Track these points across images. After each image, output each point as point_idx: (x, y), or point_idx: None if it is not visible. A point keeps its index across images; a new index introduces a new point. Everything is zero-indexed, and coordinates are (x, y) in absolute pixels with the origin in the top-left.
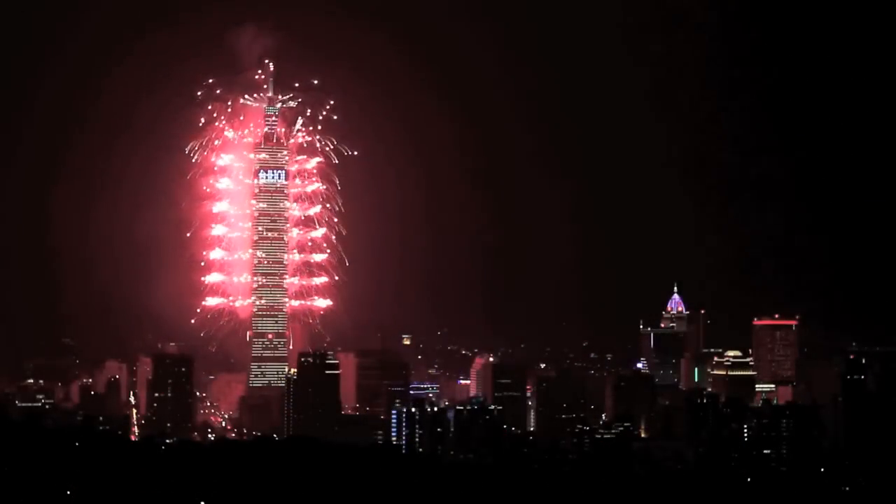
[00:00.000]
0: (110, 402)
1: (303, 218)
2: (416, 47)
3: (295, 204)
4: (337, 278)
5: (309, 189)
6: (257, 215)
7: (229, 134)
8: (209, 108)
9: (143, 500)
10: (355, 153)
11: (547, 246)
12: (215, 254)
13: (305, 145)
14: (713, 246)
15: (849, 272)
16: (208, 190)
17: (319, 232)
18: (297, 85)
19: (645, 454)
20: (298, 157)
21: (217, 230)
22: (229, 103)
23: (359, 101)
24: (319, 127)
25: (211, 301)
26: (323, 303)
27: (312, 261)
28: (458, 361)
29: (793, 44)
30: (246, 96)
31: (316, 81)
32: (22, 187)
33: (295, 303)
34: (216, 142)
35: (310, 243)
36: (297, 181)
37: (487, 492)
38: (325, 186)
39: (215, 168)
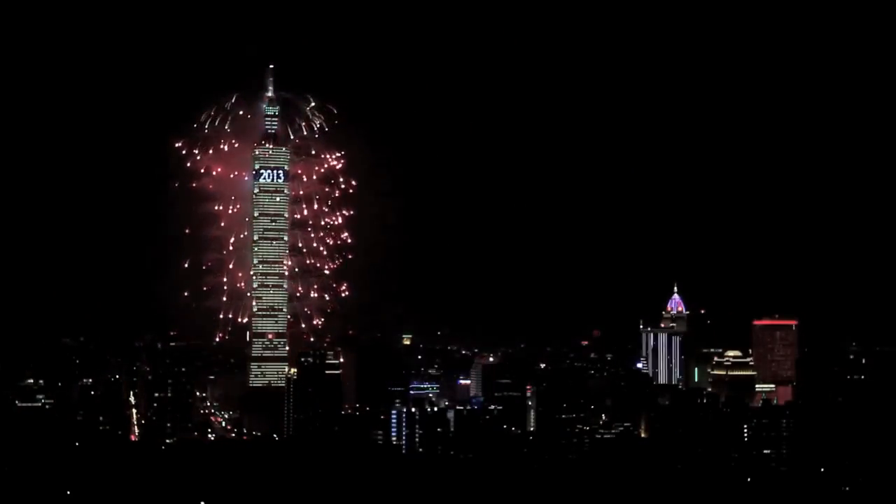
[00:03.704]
0: (110, 402)
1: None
2: None
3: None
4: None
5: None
6: (257, 215)
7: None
8: (208, 108)
9: (143, 499)
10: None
11: (547, 246)
12: (214, 254)
13: (305, 147)
14: (713, 246)
15: (849, 272)
16: (208, 190)
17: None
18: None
19: (645, 454)
20: (299, 159)
21: (216, 230)
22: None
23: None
24: (317, 128)
25: (210, 300)
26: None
27: (313, 261)
28: (458, 361)
29: None
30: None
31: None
32: (20, 186)
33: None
34: (215, 141)
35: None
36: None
37: (488, 492)
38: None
39: (214, 168)
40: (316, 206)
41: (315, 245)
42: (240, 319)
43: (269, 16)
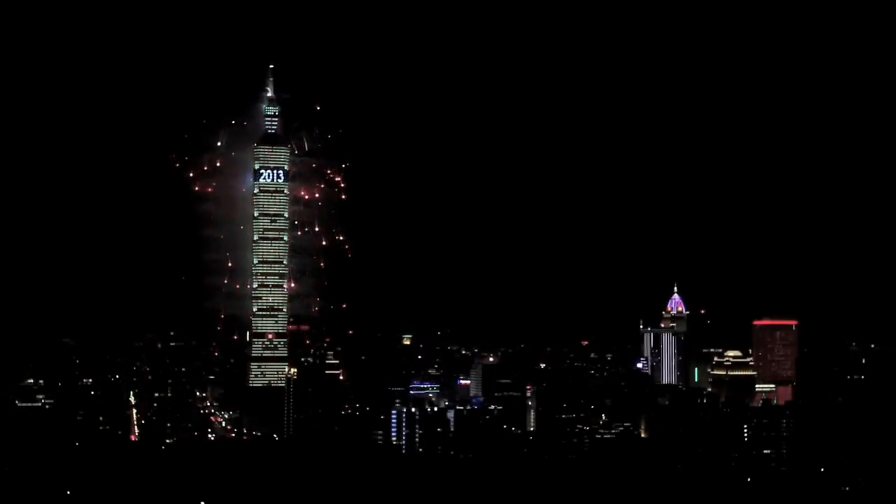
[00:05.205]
0: (110, 402)
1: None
2: None
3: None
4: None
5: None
6: (257, 215)
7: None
8: (205, 115)
9: (143, 499)
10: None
11: (546, 246)
12: (214, 254)
13: (305, 147)
14: (713, 246)
15: (849, 272)
16: (207, 191)
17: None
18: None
19: (645, 454)
20: (299, 159)
21: (216, 230)
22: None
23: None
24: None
25: (210, 301)
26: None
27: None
28: (458, 361)
29: None
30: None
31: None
32: (20, 186)
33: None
34: (213, 146)
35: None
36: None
37: (488, 492)
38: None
39: (213, 169)
40: (317, 224)
41: (315, 257)
42: (239, 320)
43: (268, 17)
